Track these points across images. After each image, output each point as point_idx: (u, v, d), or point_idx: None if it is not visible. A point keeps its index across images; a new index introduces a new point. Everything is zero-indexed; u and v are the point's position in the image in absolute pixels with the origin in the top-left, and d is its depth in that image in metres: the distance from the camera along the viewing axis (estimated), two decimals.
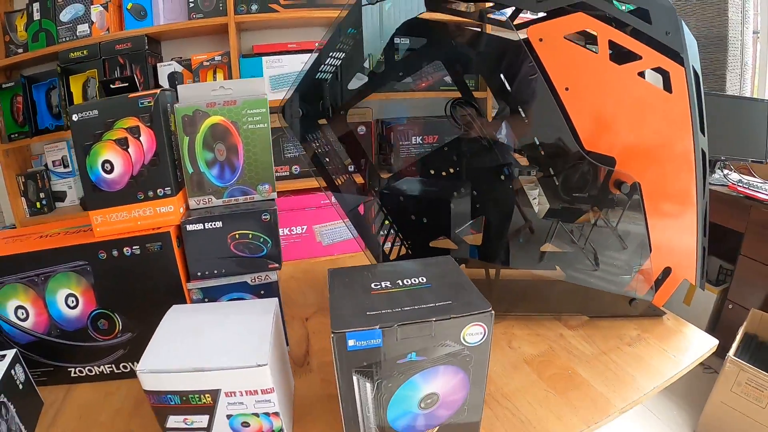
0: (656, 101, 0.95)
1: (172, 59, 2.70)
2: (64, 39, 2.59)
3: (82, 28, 2.57)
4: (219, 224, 0.95)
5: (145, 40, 2.55)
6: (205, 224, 0.94)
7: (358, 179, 1.22)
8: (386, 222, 1.23)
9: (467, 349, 0.70)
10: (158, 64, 2.66)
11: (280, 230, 2.67)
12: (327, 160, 1.14)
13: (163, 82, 2.65)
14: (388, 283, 0.77)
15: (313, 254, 2.77)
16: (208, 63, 2.65)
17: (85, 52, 2.54)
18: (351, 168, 1.21)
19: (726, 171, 2.92)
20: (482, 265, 1.23)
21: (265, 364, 0.70)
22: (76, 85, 2.57)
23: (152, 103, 0.90)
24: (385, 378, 0.70)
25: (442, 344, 0.69)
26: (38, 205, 2.77)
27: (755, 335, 2.52)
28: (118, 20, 2.62)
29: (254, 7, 2.60)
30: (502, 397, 0.95)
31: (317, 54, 1.06)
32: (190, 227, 0.94)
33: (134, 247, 0.93)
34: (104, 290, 0.95)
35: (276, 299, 0.88)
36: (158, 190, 0.94)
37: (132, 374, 1.00)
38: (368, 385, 0.70)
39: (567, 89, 0.96)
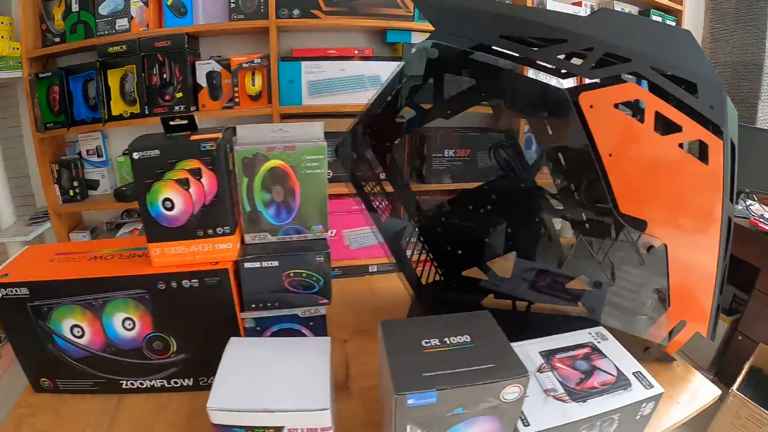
0: (692, 171, 0.97)
1: (210, 57, 2.70)
2: (102, 32, 2.60)
3: (122, 23, 2.58)
4: (275, 263, 0.99)
5: (185, 38, 2.56)
6: (263, 263, 0.99)
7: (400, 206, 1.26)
8: (423, 249, 1.26)
9: (504, 404, 0.78)
10: (197, 62, 2.67)
11: None
12: (373, 188, 1.19)
13: (201, 80, 2.67)
14: (436, 341, 0.84)
15: (341, 257, 2.83)
16: (247, 65, 2.65)
17: (124, 47, 2.55)
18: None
19: (749, 202, 2.89)
20: (509, 296, 1.25)
21: (327, 408, 0.76)
22: (114, 79, 2.59)
23: (215, 148, 0.93)
24: (434, 427, 0.78)
25: (484, 400, 0.77)
26: (71, 192, 2.79)
27: (761, 370, 2.53)
28: (157, 16, 2.62)
29: (296, 12, 2.60)
30: None
31: (375, 96, 1.09)
32: (247, 265, 0.99)
33: (193, 280, 0.97)
34: (161, 316, 0.99)
35: (329, 338, 0.92)
36: (218, 229, 0.98)
37: (184, 389, 1.06)
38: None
39: (611, 155, 0.98)
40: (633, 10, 3.35)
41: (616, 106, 0.96)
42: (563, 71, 1.16)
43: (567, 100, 0.99)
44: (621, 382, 0.90)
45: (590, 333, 1.03)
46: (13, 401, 1.05)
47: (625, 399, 0.87)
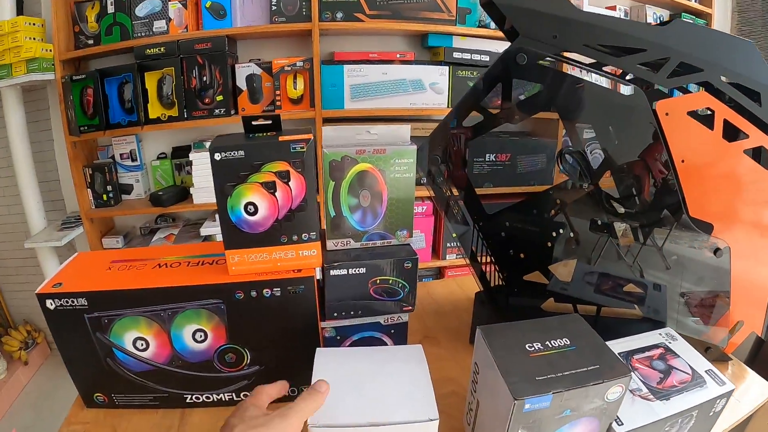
0: (755, 176, 1.00)
1: (250, 60, 2.69)
2: (139, 34, 2.59)
3: (159, 24, 2.57)
4: (363, 270, 0.97)
5: (226, 41, 2.54)
6: (349, 270, 0.96)
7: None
8: (486, 252, 1.26)
9: (606, 404, 0.79)
10: (236, 65, 2.66)
11: None
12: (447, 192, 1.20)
13: (241, 83, 2.66)
14: (539, 345, 0.83)
15: None
16: (289, 68, 2.66)
17: (162, 49, 2.54)
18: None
19: None
20: (570, 300, 1.27)
21: (436, 418, 0.74)
22: (151, 81, 2.58)
23: (305, 149, 0.89)
24: (542, 430, 0.78)
25: (591, 401, 0.78)
26: (105, 197, 2.79)
27: None
28: (195, 18, 2.61)
29: (339, 15, 2.59)
30: None
31: (462, 100, 1.11)
32: (334, 272, 0.96)
33: (275, 289, 0.94)
34: (236, 327, 0.96)
35: (420, 347, 0.89)
36: (303, 235, 0.95)
37: None
38: None
39: (683, 161, 1.01)
40: (664, 13, 3.35)
41: (688, 114, 0.99)
42: (628, 77, 1.15)
43: (648, 108, 1.00)
44: (697, 380, 0.91)
45: (660, 334, 1.04)
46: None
47: (703, 396, 0.88)
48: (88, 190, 2.80)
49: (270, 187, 0.91)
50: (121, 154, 2.87)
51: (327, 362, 0.84)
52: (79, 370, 0.99)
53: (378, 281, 0.98)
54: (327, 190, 0.97)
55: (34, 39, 2.54)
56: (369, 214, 1.00)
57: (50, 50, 2.58)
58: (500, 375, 0.77)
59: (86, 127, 2.65)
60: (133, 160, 2.88)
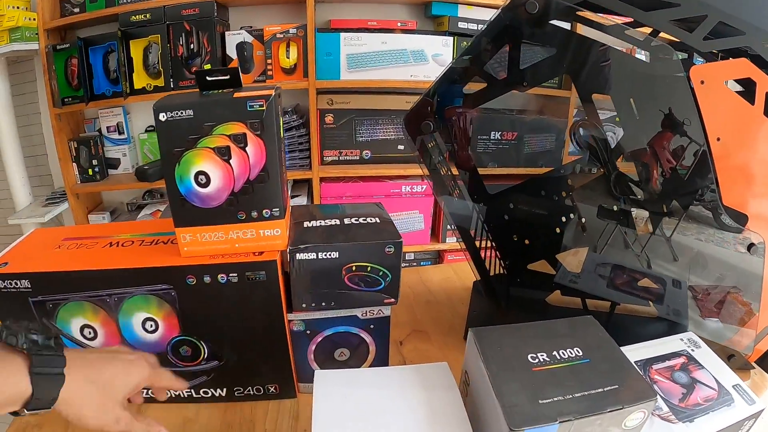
0: None
1: (241, 28, 2.57)
2: (125, 0, 2.47)
3: None
4: (335, 255, 0.82)
5: (215, 6, 2.43)
6: (319, 254, 0.81)
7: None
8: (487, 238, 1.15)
9: None
10: (226, 33, 2.54)
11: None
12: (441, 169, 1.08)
13: (231, 52, 2.54)
14: (545, 356, 0.70)
15: None
16: (281, 35, 2.51)
17: (147, 15, 2.43)
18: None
19: None
20: (580, 294, 1.17)
21: None
22: (136, 50, 2.47)
23: (264, 107, 0.75)
24: None
25: (605, 429, 0.64)
26: (90, 171, 2.69)
27: None
28: None
29: None
30: None
31: (452, 63, 0.99)
32: (301, 256, 0.81)
33: (231, 275, 0.81)
34: (190, 317, 0.84)
35: (445, 365, 0.77)
36: (264, 211, 0.81)
37: (215, 399, 0.94)
38: None
39: (718, 139, 0.88)
40: None
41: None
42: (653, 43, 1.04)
43: (683, 75, 0.89)
44: (723, 397, 0.79)
45: (682, 339, 0.91)
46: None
47: (730, 417, 0.76)
48: (73, 164, 2.69)
49: (224, 153, 0.77)
50: (107, 127, 2.76)
51: (329, 389, 0.72)
52: None
53: (354, 268, 0.83)
54: None
55: (17, 8, 2.43)
56: None
57: (34, 19, 2.47)
58: (494, 395, 0.63)
59: (70, 99, 2.54)
60: (120, 133, 2.76)
